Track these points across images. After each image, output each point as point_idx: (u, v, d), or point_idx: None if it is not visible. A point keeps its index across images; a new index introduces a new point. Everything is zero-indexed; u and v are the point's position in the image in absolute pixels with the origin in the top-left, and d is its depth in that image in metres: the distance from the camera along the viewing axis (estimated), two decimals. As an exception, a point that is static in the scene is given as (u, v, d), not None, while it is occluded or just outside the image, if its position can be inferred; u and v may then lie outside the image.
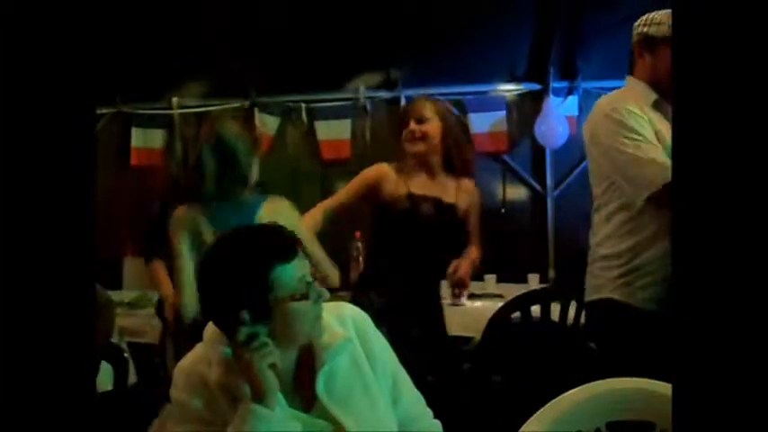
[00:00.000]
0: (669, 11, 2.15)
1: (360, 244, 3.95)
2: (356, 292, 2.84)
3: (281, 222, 1.48)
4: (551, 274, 4.56)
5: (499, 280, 4.08)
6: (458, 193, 2.87)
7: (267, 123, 4.96)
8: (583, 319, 3.37)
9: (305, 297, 1.38)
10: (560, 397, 1.61)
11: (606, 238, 2.23)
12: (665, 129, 2.13)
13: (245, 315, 1.35)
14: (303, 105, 5.00)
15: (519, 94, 5.06)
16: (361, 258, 3.96)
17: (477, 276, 3.79)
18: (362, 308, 1.60)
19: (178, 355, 1.74)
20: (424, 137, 2.80)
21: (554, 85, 4.96)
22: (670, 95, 2.05)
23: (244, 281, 1.36)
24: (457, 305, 3.64)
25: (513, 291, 3.41)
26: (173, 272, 2.49)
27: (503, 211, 4.73)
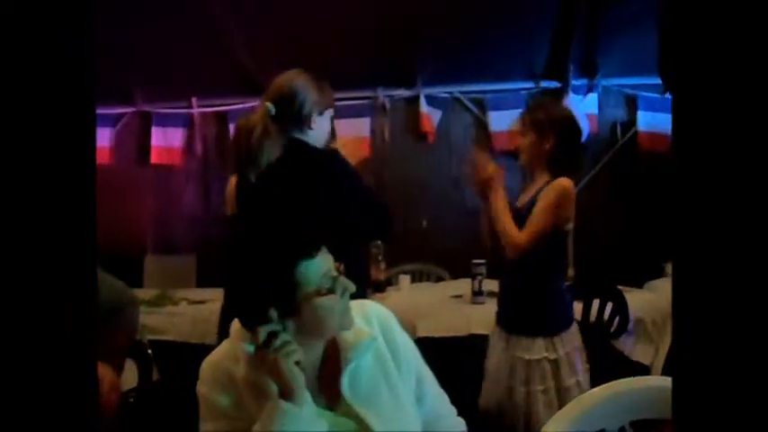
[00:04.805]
0: None
1: (381, 244, 3.95)
2: None
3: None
4: (571, 272, 4.54)
5: (519, 278, 4.05)
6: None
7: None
8: (606, 317, 3.37)
9: (331, 291, 1.39)
10: (584, 395, 1.61)
11: None
12: None
13: (273, 313, 1.37)
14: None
15: (538, 92, 5.05)
16: (380, 257, 3.97)
17: (497, 275, 3.79)
18: None
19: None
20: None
21: (574, 82, 4.95)
22: None
23: (271, 279, 1.37)
24: (477, 303, 3.64)
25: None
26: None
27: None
